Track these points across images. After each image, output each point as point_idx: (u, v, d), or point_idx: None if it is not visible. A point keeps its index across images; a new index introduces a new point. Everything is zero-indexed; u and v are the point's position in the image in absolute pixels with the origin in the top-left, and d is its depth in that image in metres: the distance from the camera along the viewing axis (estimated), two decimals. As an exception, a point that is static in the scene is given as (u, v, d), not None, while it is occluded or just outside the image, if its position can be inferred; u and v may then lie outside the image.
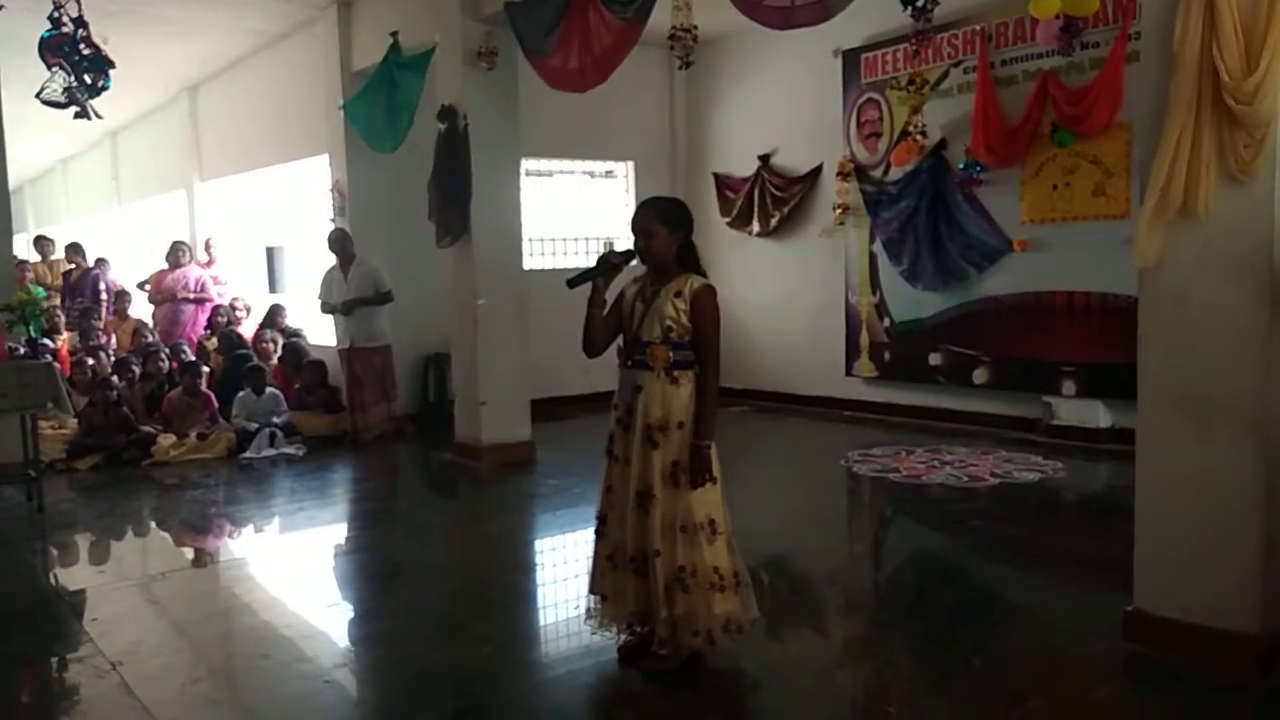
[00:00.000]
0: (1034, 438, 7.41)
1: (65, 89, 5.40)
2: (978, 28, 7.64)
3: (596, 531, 3.62)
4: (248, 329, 10.02)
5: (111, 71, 5.45)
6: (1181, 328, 3.41)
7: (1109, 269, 6.82)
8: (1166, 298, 3.44)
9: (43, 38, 5.45)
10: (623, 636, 3.62)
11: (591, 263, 3.56)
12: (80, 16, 5.36)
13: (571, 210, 10.21)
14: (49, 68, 5.48)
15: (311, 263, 9.82)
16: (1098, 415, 7.18)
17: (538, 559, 5.46)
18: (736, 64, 9.79)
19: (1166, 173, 3.28)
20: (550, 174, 10.01)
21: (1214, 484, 3.33)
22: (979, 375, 7.93)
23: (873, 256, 8.68)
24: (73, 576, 5.24)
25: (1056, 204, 7.31)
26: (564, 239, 10.07)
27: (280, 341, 9.39)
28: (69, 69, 5.34)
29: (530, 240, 8.84)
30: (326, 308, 8.47)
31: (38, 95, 5.69)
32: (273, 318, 9.85)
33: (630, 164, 10.41)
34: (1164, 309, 3.45)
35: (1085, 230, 7.12)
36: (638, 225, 3.46)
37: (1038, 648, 3.83)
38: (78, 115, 5.59)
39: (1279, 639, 3.11)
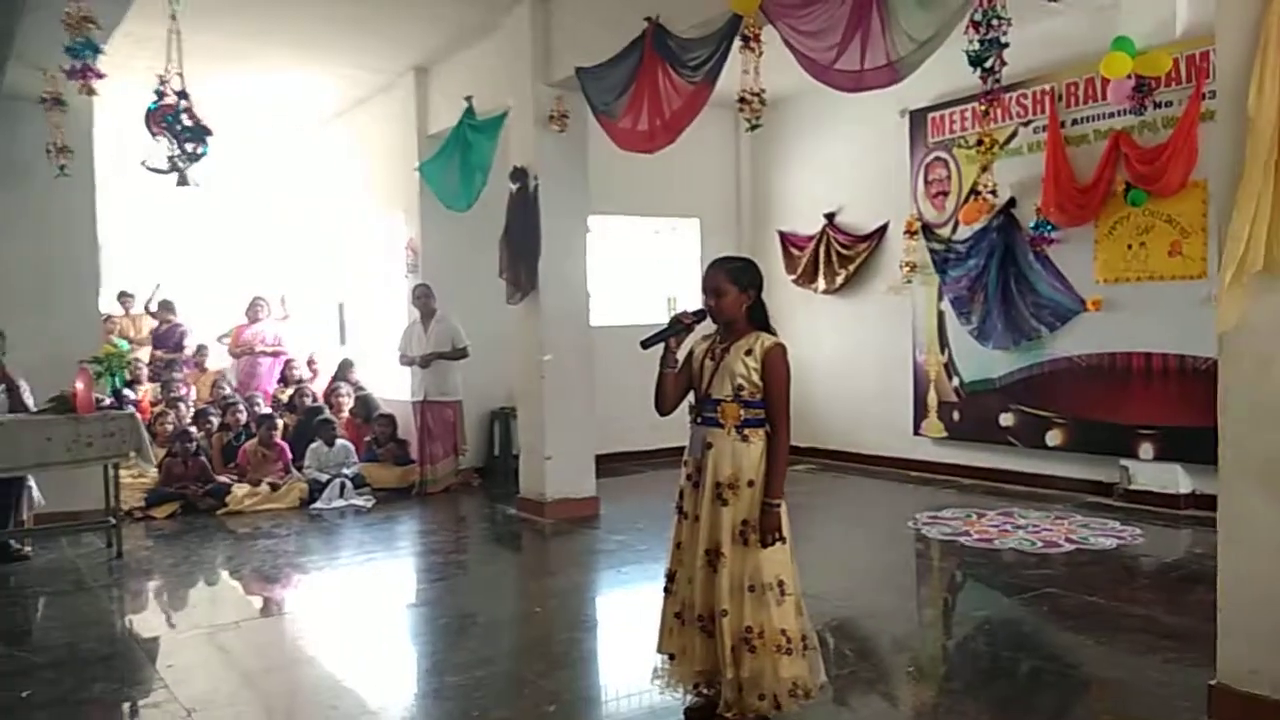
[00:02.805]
0: (1111, 502, 7.22)
1: (169, 157, 5.61)
2: (1047, 87, 7.62)
3: (665, 589, 3.60)
4: (321, 381, 10.25)
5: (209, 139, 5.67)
6: (1265, 391, 3.31)
7: (1187, 330, 6.68)
8: (1249, 359, 3.35)
9: (149, 109, 5.65)
10: (689, 697, 3.58)
11: (659, 319, 3.60)
12: (184, 90, 5.58)
13: (638, 266, 10.33)
14: (153, 136, 5.67)
15: (381, 317, 10.04)
16: (1177, 480, 6.97)
17: (603, 615, 5.45)
18: (802, 123, 9.87)
19: (1247, 236, 3.22)
20: (617, 231, 10.14)
21: (1304, 553, 3.21)
22: (1053, 437, 7.76)
23: (941, 315, 8.60)
24: (148, 623, 5.37)
25: (1131, 263, 7.19)
26: (630, 294, 10.16)
27: (352, 394, 9.59)
28: (172, 138, 5.55)
29: (596, 296, 8.94)
30: (405, 360, 8.66)
31: (142, 163, 5.93)
32: (344, 371, 10.07)
33: (696, 221, 10.52)
34: (1247, 371, 3.37)
35: (1162, 290, 6.99)
36: (708, 284, 3.49)
37: (1118, 722, 3.69)
38: (180, 183, 5.80)
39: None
